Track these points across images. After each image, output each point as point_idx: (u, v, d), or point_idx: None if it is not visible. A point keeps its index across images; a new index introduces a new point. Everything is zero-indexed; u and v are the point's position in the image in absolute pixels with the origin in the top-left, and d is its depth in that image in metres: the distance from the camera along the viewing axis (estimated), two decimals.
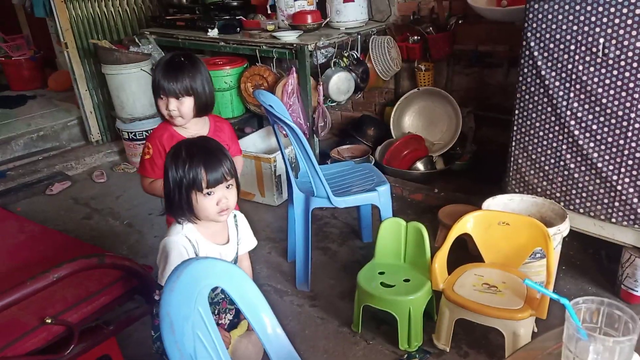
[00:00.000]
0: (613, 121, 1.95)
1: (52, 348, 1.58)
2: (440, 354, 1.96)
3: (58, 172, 3.76)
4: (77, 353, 1.66)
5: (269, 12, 3.51)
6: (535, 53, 2.08)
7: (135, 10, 4.14)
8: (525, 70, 2.15)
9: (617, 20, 1.84)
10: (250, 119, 3.81)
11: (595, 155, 2.03)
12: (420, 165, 3.28)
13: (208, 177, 1.35)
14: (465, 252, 2.34)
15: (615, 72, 1.90)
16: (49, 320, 1.56)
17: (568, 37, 1.97)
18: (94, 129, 4.11)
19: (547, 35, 2.03)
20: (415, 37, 3.27)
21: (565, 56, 2.00)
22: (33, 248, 2.06)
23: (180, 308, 0.86)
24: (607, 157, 2.01)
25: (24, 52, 5.19)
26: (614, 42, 1.87)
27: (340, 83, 3.10)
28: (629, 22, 1.82)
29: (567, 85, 2.03)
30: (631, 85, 1.87)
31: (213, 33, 3.44)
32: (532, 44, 2.08)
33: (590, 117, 2.00)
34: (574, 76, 2.00)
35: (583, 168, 2.09)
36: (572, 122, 2.05)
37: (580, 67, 1.97)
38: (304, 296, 2.34)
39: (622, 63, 1.87)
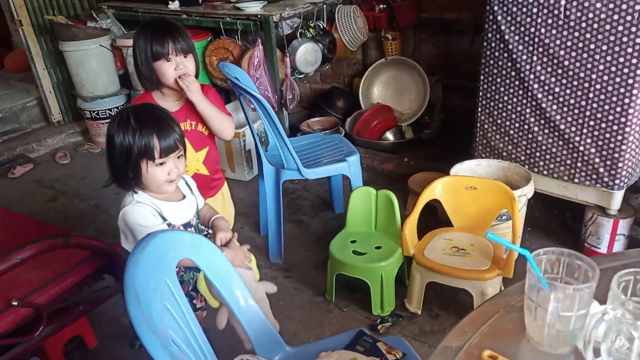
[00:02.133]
0: (575, 83, 1.99)
1: (21, 331, 1.55)
2: (412, 317, 2.00)
3: (19, 154, 3.63)
4: (46, 335, 1.63)
5: None
6: (499, 17, 2.09)
7: None
8: (490, 35, 2.16)
9: None
10: (218, 92, 3.73)
11: (558, 117, 2.07)
12: (389, 135, 3.29)
13: (161, 146, 1.31)
14: (435, 218, 2.38)
15: (576, 34, 1.92)
16: (15, 303, 1.52)
17: None
18: (54, 109, 3.97)
19: None
20: (382, 6, 3.25)
21: (528, 19, 2.01)
22: None
23: (147, 280, 0.85)
24: (569, 119, 2.05)
25: None
26: (574, 3, 1.89)
27: (307, 54, 3.06)
28: None
29: (530, 48, 2.05)
30: (592, 46, 1.90)
31: (174, 5, 3.33)
32: (496, 8, 2.09)
33: (553, 79, 2.03)
34: (536, 39, 2.02)
35: (546, 130, 2.13)
36: (536, 86, 2.08)
37: (543, 30, 1.99)
38: (277, 268, 2.35)
39: (584, 25, 1.89)
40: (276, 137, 2.11)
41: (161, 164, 1.33)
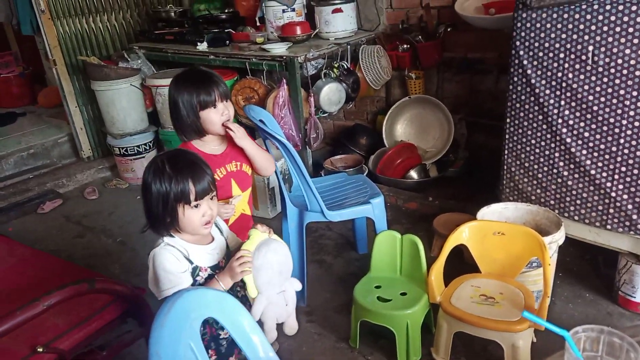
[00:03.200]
0: (605, 128, 1.95)
1: None
2: None
3: (49, 190, 3.72)
4: None
5: (258, 24, 3.50)
6: (525, 62, 2.08)
7: (124, 25, 4.12)
8: (515, 78, 2.14)
9: (605, 28, 1.84)
10: None
11: (588, 162, 2.02)
12: (413, 174, 3.27)
13: (196, 189, 1.37)
14: (461, 261, 2.33)
15: (605, 80, 1.89)
16: (41, 349, 1.54)
17: (557, 45, 1.97)
18: (84, 145, 4.08)
19: (536, 44, 2.03)
20: (405, 46, 3.27)
21: (555, 64, 2.00)
22: (23, 272, 2.03)
23: (171, 346, 0.84)
24: (600, 164, 2.00)
25: (13, 69, 5.16)
26: (603, 49, 1.87)
27: (331, 94, 3.09)
28: (617, 29, 1.82)
29: (558, 93, 2.02)
30: (622, 92, 1.87)
31: (202, 46, 3.43)
32: (521, 52, 2.08)
33: (582, 124, 2.00)
34: (564, 84, 2.00)
35: (576, 175, 2.08)
36: (564, 130, 2.05)
37: (570, 75, 1.97)
38: (300, 312, 2.31)
39: (612, 70, 1.87)
40: (300, 180, 2.12)
41: (196, 206, 1.38)
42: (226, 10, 3.81)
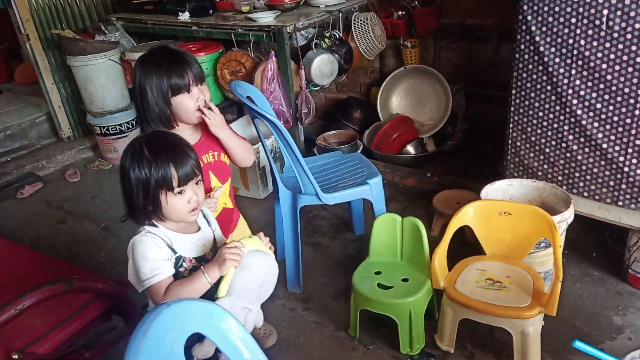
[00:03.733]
0: (619, 99, 1.81)
1: None
2: (445, 356, 1.84)
3: (28, 173, 3.54)
4: None
5: None
6: (533, 28, 1.92)
7: None
8: (522, 46, 1.99)
9: None
10: (229, 106, 3.61)
11: (600, 135, 1.90)
12: (410, 149, 3.14)
13: (179, 175, 1.26)
14: (463, 241, 2.22)
15: (620, 46, 1.75)
16: (16, 356, 1.41)
17: (568, 9, 1.82)
18: (64, 124, 3.88)
19: (545, 8, 1.87)
20: (400, 12, 3.10)
21: (566, 30, 1.84)
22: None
23: None
24: (612, 138, 1.88)
25: None
26: (619, 13, 1.72)
27: (322, 66, 2.91)
28: None
29: (569, 61, 1.88)
30: (638, 59, 1.73)
31: (184, 17, 3.21)
32: (529, 17, 1.92)
33: (594, 95, 1.86)
34: (575, 52, 1.85)
35: (587, 150, 1.96)
36: (575, 101, 1.91)
37: (583, 42, 1.82)
38: (296, 298, 2.21)
39: (629, 36, 1.72)
40: (293, 162, 1.97)
41: (180, 192, 1.28)
42: None
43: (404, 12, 3.08)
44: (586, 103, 1.89)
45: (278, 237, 2.40)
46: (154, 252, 1.29)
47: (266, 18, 2.87)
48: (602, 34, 1.77)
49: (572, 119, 1.94)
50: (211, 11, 3.24)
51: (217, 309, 0.92)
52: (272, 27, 2.78)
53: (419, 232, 1.93)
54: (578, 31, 1.82)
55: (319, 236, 2.63)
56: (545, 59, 1.93)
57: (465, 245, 2.14)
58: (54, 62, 3.72)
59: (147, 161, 1.25)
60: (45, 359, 1.47)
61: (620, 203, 1.96)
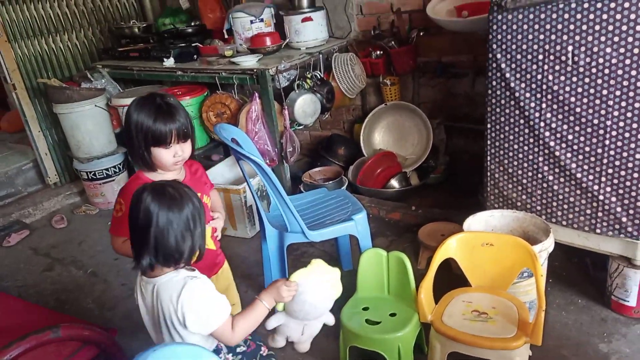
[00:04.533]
0: (589, 130, 1.89)
1: None
2: None
3: (15, 220, 3.53)
4: None
5: (226, 36, 3.39)
6: (503, 65, 2.01)
7: (86, 44, 3.95)
8: (494, 82, 2.08)
9: (584, 27, 1.79)
10: (215, 147, 3.67)
11: (574, 165, 1.96)
12: (395, 183, 3.19)
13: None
14: (448, 272, 2.24)
15: (587, 80, 1.84)
16: None
17: (535, 46, 1.91)
18: (50, 170, 3.89)
19: (514, 46, 1.97)
20: (378, 52, 3.20)
21: (534, 66, 1.94)
22: None
23: None
24: (585, 167, 1.94)
25: None
26: (583, 49, 1.81)
27: (305, 106, 2.99)
28: (597, 27, 1.77)
29: (539, 96, 1.96)
30: (604, 92, 1.82)
31: (169, 62, 3.29)
32: (499, 55, 2.02)
33: (565, 127, 1.94)
34: (544, 86, 1.94)
35: (562, 179, 2.02)
36: (547, 134, 1.98)
37: (551, 77, 1.91)
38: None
39: (594, 70, 1.81)
40: (278, 200, 2.01)
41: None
42: (192, 24, 3.69)
43: (382, 52, 3.19)
44: (558, 135, 1.96)
45: (266, 275, 2.41)
46: (213, 288, 1.36)
47: (249, 62, 2.95)
48: (569, 69, 1.87)
49: (546, 151, 2.01)
50: (195, 56, 3.33)
51: (204, 353, 0.94)
52: (255, 70, 2.86)
53: (404, 266, 1.95)
54: (546, 67, 1.91)
55: None
56: (517, 94, 2.01)
57: (452, 277, 2.16)
58: (40, 110, 3.77)
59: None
60: None
61: (597, 230, 2.01)
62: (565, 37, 1.83)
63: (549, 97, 1.94)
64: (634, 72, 1.73)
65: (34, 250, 3.20)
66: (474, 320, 1.80)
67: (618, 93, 1.79)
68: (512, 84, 2.01)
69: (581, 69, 1.83)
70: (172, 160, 1.54)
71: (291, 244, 2.75)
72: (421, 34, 3.09)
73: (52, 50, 3.78)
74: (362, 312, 1.96)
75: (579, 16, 1.78)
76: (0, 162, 4.02)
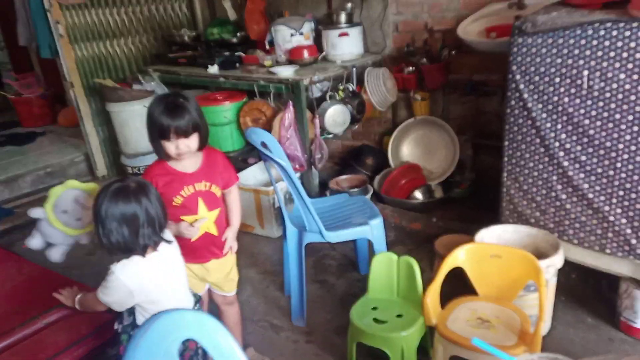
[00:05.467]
0: (602, 152, 1.95)
1: None
2: None
3: None
4: None
5: (268, 47, 3.59)
6: (521, 86, 2.10)
7: (140, 49, 4.26)
8: (512, 102, 2.16)
9: (599, 53, 1.86)
10: (251, 150, 3.86)
11: (586, 186, 2.02)
12: (418, 194, 3.28)
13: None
14: (462, 283, 2.32)
15: (600, 104, 1.90)
16: None
17: (552, 69, 1.99)
18: (99, 164, 4.19)
19: (532, 68, 2.05)
20: (410, 68, 3.32)
21: (551, 88, 2.01)
22: (31, 290, 2.10)
23: None
24: (597, 188, 2.00)
25: (35, 90, 5.34)
26: (597, 74, 1.88)
27: (335, 115, 3.14)
28: (612, 54, 1.83)
29: (554, 117, 2.03)
30: (617, 116, 1.87)
31: (213, 69, 3.52)
32: (518, 76, 2.10)
33: (579, 148, 2.00)
34: (560, 108, 2.01)
35: (574, 199, 2.08)
36: (561, 154, 2.05)
37: (566, 99, 1.98)
38: (300, 332, 2.34)
39: (607, 95, 1.88)
40: (298, 200, 2.16)
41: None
42: (237, 34, 3.92)
43: (414, 68, 3.30)
44: (572, 155, 2.02)
45: (285, 274, 2.56)
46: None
47: (286, 72, 3.13)
48: (584, 92, 1.94)
49: (560, 170, 2.08)
50: (237, 65, 3.54)
51: (209, 319, 1.09)
52: (291, 80, 3.04)
53: (413, 270, 2.05)
54: (562, 89, 1.99)
55: (327, 275, 2.77)
56: (533, 114, 2.09)
57: (464, 288, 2.23)
58: (95, 107, 4.07)
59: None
60: None
61: (607, 251, 2.05)
62: (581, 62, 1.91)
63: (564, 118, 2.01)
64: None
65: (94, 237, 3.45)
66: (476, 327, 1.88)
67: (630, 117, 1.84)
68: (530, 104, 2.09)
69: (595, 93, 1.90)
70: (174, 151, 1.75)
71: (314, 246, 2.90)
72: (452, 52, 3.18)
73: (108, 53, 4.10)
74: (371, 311, 2.07)
75: (595, 42, 1.85)
76: (55, 154, 4.37)
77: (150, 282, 1.53)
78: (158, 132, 1.73)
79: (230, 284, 2.04)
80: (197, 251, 1.88)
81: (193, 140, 1.77)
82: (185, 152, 1.77)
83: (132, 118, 3.70)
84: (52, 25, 3.79)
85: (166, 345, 0.95)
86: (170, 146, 1.74)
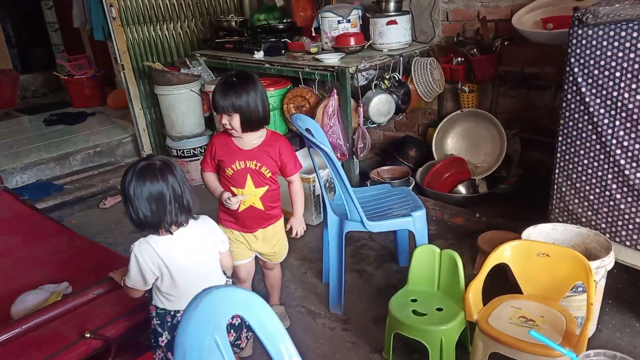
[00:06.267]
0: None
1: None
2: None
3: (112, 186, 3.95)
4: None
5: (314, 34, 3.58)
6: (579, 79, 2.02)
7: (188, 34, 4.32)
8: (569, 96, 2.08)
9: None
10: (293, 137, 3.87)
11: None
12: (461, 189, 3.22)
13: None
14: (505, 281, 2.27)
15: None
16: (88, 335, 1.65)
17: (613, 63, 1.90)
18: (146, 145, 4.31)
19: (592, 62, 1.97)
20: (459, 59, 3.24)
21: (610, 83, 1.93)
22: (81, 263, 2.18)
23: (197, 339, 0.90)
24: None
25: (86, 71, 5.53)
26: None
27: (380, 105, 3.11)
28: None
29: (613, 112, 1.95)
30: None
31: (259, 55, 3.54)
32: (576, 69, 2.02)
33: (637, 146, 1.91)
34: (619, 104, 1.92)
35: (630, 199, 1.99)
36: (618, 151, 1.96)
37: (626, 95, 1.89)
38: (336, 319, 2.34)
39: None
40: (341, 188, 2.15)
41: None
42: (284, 21, 3.93)
43: (463, 59, 3.22)
44: (629, 153, 1.94)
45: (324, 261, 2.57)
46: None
47: (331, 59, 3.12)
48: None
49: (616, 168, 1.99)
50: (283, 51, 3.55)
51: (256, 298, 1.10)
52: (336, 68, 3.02)
53: (456, 264, 2.02)
54: (622, 84, 1.90)
55: (365, 264, 2.77)
56: (591, 109, 2.01)
57: (507, 286, 2.19)
58: (143, 90, 4.18)
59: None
60: (111, 342, 1.70)
61: None
62: None
63: (623, 114, 1.92)
64: None
65: (125, 214, 3.56)
66: (519, 326, 1.84)
67: None
68: (587, 99, 2.01)
69: None
70: (220, 126, 1.94)
71: (352, 235, 2.90)
72: (505, 43, 3.09)
73: (158, 37, 4.18)
74: (410, 303, 2.05)
75: None
76: (103, 134, 4.52)
77: (169, 259, 1.57)
78: (213, 106, 1.92)
79: (275, 256, 2.20)
80: (245, 221, 2.05)
81: (235, 120, 1.89)
82: (229, 129, 1.92)
83: (179, 102, 3.77)
84: (106, 8, 3.90)
85: (216, 319, 0.97)
86: (217, 119, 1.96)
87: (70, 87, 5.58)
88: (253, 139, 1.98)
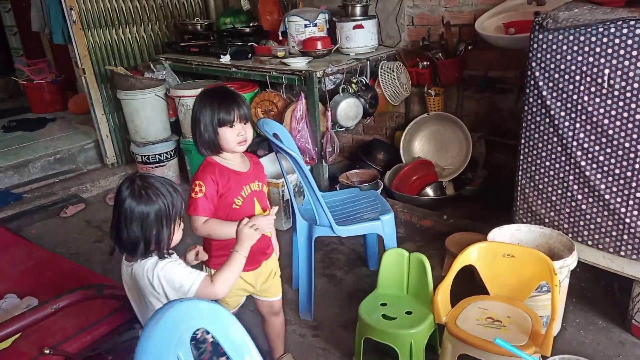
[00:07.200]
0: (620, 153, 1.91)
1: None
2: None
3: (73, 194, 3.83)
4: None
5: (281, 38, 3.56)
6: (540, 83, 2.06)
7: (152, 37, 4.24)
8: (531, 99, 2.13)
9: (622, 52, 1.82)
10: (261, 142, 3.84)
11: (603, 187, 1.99)
12: (429, 191, 3.26)
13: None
14: (472, 283, 2.30)
15: (621, 104, 1.86)
16: (48, 351, 1.59)
17: (573, 67, 1.95)
18: (109, 152, 4.19)
19: (552, 66, 2.01)
20: (425, 63, 3.28)
21: (571, 86, 1.97)
22: (40, 275, 2.10)
23: (157, 356, 0.86)
24: (614, 189, 1.96)
25: (46, 76, 5.35)
26: (619, 73, 1.84)
27: (348, 109, 3.11)
28: (634, 53, 1.79)
29: (573, 115, 2.00)
30: (637, 116, 1.84)
31: (225, 59, 3.50)
32: (537, 73, 2.07)
33: (597, 148, 1.96)
34: (579, 107, 1.97)
35: (591, 200, 2.04)
36: (579, 153, 2.01)
37: (586, 98, 1.94)
38: (307, 325, 2.32)
39: (628, 94, 1.84)
40: (310, 193, 2.14)
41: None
42: (251, 24, 3.89)
43: (429, 63, 3.26)
44: (589, 155, 1.99)
45: (294, 267, 2.55)
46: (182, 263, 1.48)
47: (299, 63, 3.11)
48: (604, 91, 1.90)
49: (577, 170, 2.04)
50: (250, 55, 3.52)
51: (222, 310, 1.07)
52: (304, 72, 3.01)
53: (424, 267, 2.03)
54: (582, 88, 1.95)
55: (335, 269, 2.76)
56: (552, 112, 2.05)
57: (475, 287, 2.21)
58: (105, 94, 4.07)
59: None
60: (73, 357, 1.63)
61: (622, 253, 2.02)
62: (602, 60, 1.87)
63: (583, 117, 1.97)
64: None
65: (87, 223, 3.47)
66: (487, 326, 1.86)
67: None
68: (548, 102, 2.06)
69: (616, 92, 1.86)
70: (236, 139, 1.67)
71: (322, 239, 2.89)
72: (469, 47, 3.14)
73: (120, 41, 4.08)
74: (380, 307, 2.05)
75: (617, 41, 1.81)
76: (65, 140, 4.37)
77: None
78: (218, 121, 1.64)
79: (277, 286, 1.96)
80: (252, 256, 1.58)
81: (250, 130, 1.71)
82: (247, 140, 1.70)
83: (143, 106, 3.68)
84: (66, 11, 3.78)
85: (179, 334, 0.94)
86: (233, 133, 1.66)
87: (29, 92, 5.39)
88: (240, 160, 1.77)
